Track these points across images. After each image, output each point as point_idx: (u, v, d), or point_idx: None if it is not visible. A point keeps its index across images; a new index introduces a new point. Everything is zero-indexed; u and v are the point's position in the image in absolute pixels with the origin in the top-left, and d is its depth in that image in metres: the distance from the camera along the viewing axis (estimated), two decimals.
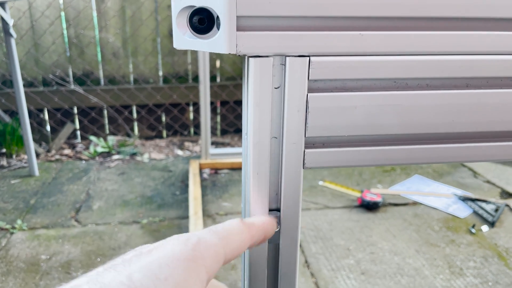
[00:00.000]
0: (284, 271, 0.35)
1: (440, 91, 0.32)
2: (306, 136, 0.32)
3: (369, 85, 0.32)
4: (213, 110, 2.79)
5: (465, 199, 1.92)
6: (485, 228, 1.71)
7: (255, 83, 0.30)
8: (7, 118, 2.47)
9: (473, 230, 1.68)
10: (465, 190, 2.03)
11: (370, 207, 1.84)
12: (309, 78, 0.30)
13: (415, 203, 1.92)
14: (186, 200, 1.98)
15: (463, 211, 1.85)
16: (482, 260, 1.51)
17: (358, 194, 1.97)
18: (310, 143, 0.33)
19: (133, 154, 2.51)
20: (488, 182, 2.14)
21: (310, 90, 0.31)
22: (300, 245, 1.60)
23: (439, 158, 0.33)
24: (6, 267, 1.47)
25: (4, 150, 2.44)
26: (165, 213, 1.86)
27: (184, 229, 1.72)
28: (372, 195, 1.86)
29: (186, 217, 1.82)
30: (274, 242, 0.35)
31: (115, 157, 2.48)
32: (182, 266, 0.24)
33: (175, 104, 2.74)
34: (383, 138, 0.33)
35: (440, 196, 1.98)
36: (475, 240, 1.63)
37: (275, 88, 0.31)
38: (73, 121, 2.67)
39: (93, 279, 0.23)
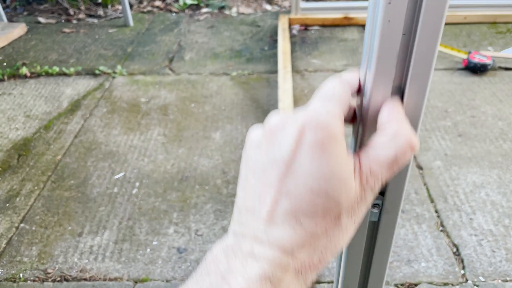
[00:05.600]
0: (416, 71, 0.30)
1: None
2: None
3: None
4: None
5: None
6: None
7: None
8: None
9: None
10: None
11: (476, 69, 1.66)
12: None
13: None
14: (274, 55, 1.93)
15: None
16: None
17: (464, 56, 1.77)
18: None
19: (222, 8, 2.45)
20: None
21: None
22: None
23: None
24: (111, 106, 1.60)
25: (100, 0, 2.50)
26: (253, 66, 1.85)
27: (272, 82, 1.71)
28: (480, 57, 1.67)
29: (274, 71, 1.79)
30: None
31: (204, 10, 2.43)
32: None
33: None
34: None
35: None
36: None
37: None
38: None
39: None
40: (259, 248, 0.24)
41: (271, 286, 0.23)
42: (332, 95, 0.28)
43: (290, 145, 0.26)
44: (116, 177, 1.27)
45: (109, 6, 2.47)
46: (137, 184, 1.24)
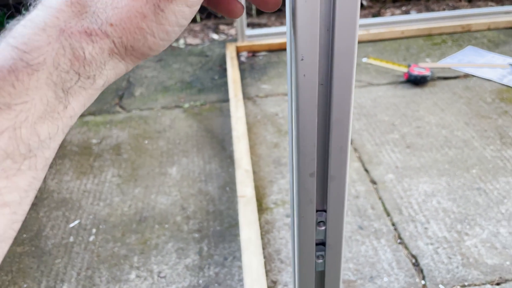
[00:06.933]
0: (337, 116, 0.32)
1: None
2: None
3: None
4: None
5: None
6: None
7: None
8: None
9: None
10: None
11: (417, 81, 1.75)
12: None
13: (466, 76, 1.80)
14: (225, 84, 1.95)
15: None
16: None
17: (404, 69, 1.86)
18: None
19: None
20: None
21: None
22: None
23: None
24: (61, 151, 1.55)
25: None
26: (205, 97, 1.86)
27: (225, 111, 1.73)
28: (420, 69, 1.76)
29: (226, 100, 1.81)
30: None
31: None
32: None
33: None
34: None
35: (495, 67, 1.84)
36: None
37: None
38: None
39: None
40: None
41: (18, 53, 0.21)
42: None
43: None
44: (71, 225, 1.23)
45: None
46: (94, 230, 1.20)
